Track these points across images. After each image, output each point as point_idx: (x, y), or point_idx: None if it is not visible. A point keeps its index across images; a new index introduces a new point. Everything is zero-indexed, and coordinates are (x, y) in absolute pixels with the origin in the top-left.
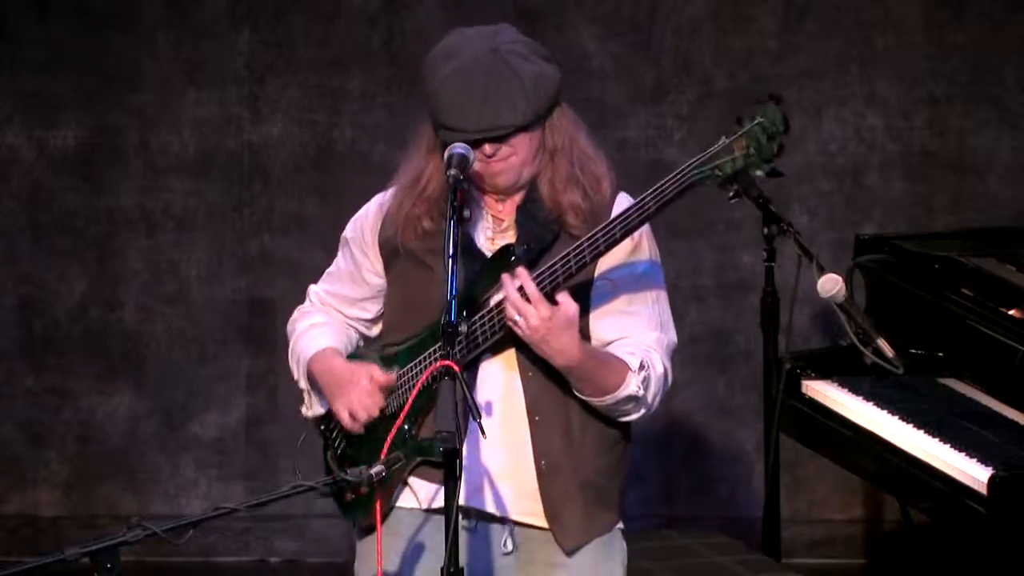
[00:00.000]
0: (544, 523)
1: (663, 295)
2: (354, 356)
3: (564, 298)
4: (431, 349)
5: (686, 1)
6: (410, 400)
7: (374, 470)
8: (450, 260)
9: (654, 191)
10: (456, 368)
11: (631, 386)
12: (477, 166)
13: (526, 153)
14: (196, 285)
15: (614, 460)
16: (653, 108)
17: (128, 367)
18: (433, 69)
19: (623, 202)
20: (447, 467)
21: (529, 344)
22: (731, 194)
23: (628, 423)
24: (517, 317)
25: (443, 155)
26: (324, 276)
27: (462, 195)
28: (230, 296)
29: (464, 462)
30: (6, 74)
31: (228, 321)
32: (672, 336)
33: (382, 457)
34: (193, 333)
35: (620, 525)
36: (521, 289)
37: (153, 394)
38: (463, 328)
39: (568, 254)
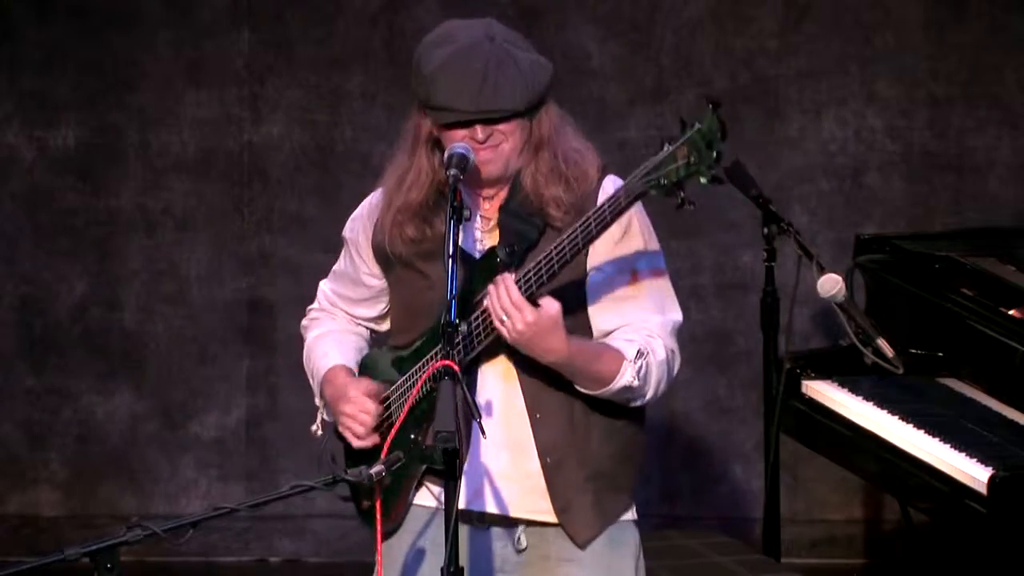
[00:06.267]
0: (554, 519)
1: (662, 275)
2: (365, 361)
3: (545, 300)
4: (431, 353)
5: (686, 1)
6: (410, 399)
7: (374, 470)
8: (450, 260)
9: (610, 200)
10: (456, 367)
11: (626, 376)
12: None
13: (516, 141)
14: (196, 285)
15: (624, 444)
16: (653, 108)
17: (128, 367)
18: (429, 54)
19: (609, 186)
20: (447, 467)
21: (516, 347)
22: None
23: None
24: (502, 324)
25: (430, 143)
26: (331, 274)
27: (461, 195)
28: (230, 296)
29: (469, 463)
30: (6, 74)
31: (228, 321)
32: (675, 316)
33: (382, 457)
34: (193, 333)
35: (633, 516)
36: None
37: (153, 394)
38: (463, 328)
39: (549, 254)
